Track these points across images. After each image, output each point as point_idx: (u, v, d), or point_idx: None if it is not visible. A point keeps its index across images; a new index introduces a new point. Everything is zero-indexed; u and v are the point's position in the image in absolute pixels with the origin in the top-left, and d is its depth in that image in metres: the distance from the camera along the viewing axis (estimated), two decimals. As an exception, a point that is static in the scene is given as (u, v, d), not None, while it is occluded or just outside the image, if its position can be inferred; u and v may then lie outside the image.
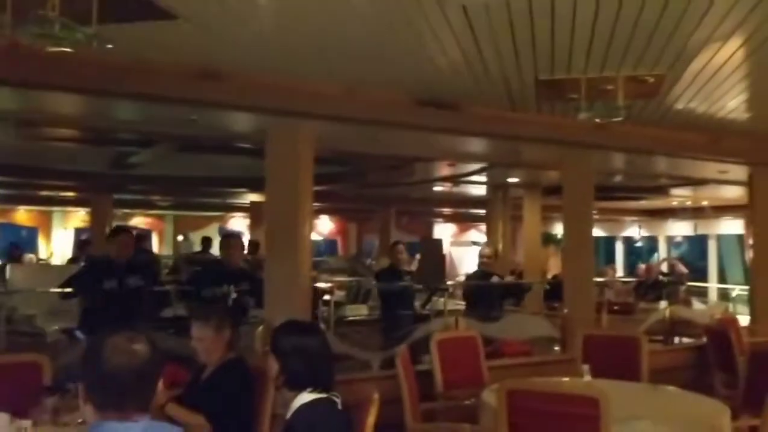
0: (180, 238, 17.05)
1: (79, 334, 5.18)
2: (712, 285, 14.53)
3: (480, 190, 11.28)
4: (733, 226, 14.28)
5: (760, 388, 3.89)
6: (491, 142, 6.14)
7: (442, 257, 6.93)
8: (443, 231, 19.40)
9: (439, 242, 6.93)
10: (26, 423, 2.75)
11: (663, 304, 7.61)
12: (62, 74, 3.78)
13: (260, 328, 4.96)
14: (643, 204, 14.04)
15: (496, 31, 3.63)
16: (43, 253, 16.31)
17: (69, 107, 4.92)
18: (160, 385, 1.97)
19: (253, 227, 13.70)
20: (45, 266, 12.64)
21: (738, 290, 10.03)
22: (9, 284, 7.11)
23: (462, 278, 9.13)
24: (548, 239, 14.45)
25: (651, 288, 9.98)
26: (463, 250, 19.18)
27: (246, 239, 9.69)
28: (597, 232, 7.15)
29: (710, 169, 7.47)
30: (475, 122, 5.32)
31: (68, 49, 2.89)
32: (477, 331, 5.46)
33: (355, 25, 3.59)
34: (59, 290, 5.35)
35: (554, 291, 7.61)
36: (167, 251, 16.71)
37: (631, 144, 6.16)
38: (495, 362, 5.42)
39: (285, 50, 4.01)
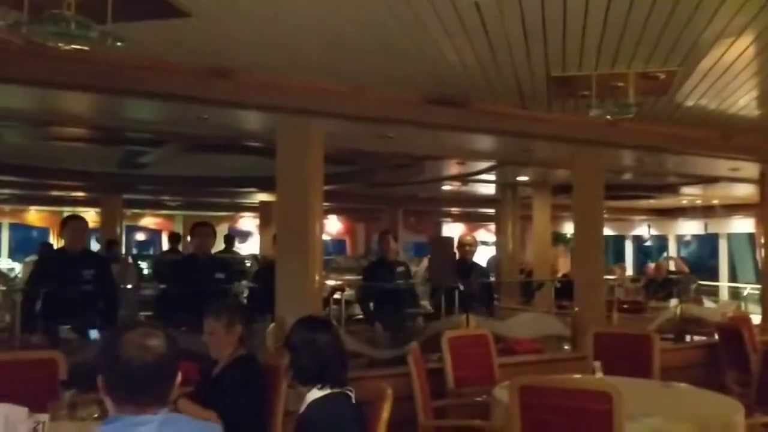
0: (189, 238, 17.11)
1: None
2: (723, 284, 14.47)
3: (489, 189, 11.26)
4: (744, 224, 14.20)
5: (774, 386, 3.88)
6: (501, 140, 6.14)
7: (453, 255, 6.86)
8: (451, 231, 19.38)
9: (449, 240, 6.90)
10: (43, 417, 2.78)
11: (674, 302, 7.57)
12: (76, 73, 3.81)
13: (272, 325, 4.98)
14: (653, 203, 13.99)
15: (508, 28, 3.64)
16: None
17: (81, 106, 4.95)
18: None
19: (262, 227, 13.73)
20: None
21: (749, 289, 9.99)
22: (22, 281, 7.17)
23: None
24: (557, 239, 14.42)
25: (661, 286, 9.95)
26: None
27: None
28: (606, 231, 7.13)
29: (721, 166, 7.44)
30: (486, 120, 5.32)
31: (83, 48, 2.92)
32: (488, 329, 5.46)
33: (366, 23, 3.60)
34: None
35: (564, 290, 7.60)
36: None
37: (641, 141, 6.15)
38: (506, 360, 5.42)
39: (295, 48, 4.02)
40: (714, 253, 15.83)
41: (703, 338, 7.08)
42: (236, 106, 4.60)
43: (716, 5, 3.33)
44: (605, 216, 6.64)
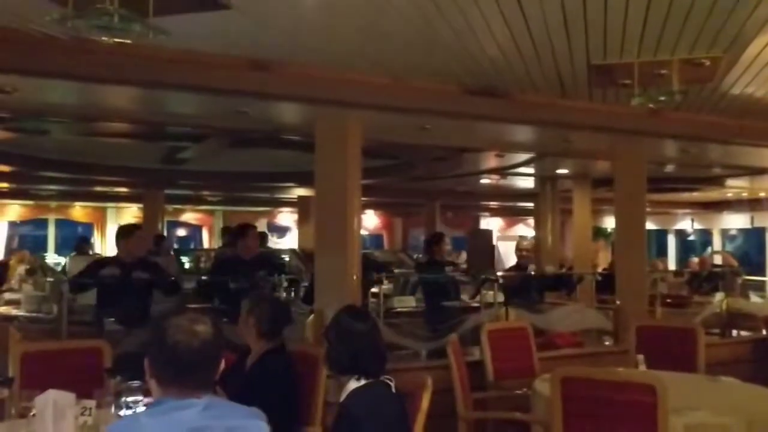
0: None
1: None
2: (771, 279, 14.09)
3: (528, 183, 11.15)
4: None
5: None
6: (541, 131, 6.07)
7: (492, 248, 6.85)
8: (490, 225, 19.25)
9: (488, 233, 6.86)
10: (90, 403, 2.84)
11: (719, 296, 7.39)
12: (118, 67, 3.88)
13: (311, 317, 5.02)
14: (697, 196, 13.69)
15: (548, 16, 3.59)
16: (98, 248, 16.76)
17: (123, 101, 5.05)
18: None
19: (301, 222, 13.82)
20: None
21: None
22: (68, 275, 7.34)
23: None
24: (598, 233, 14.22)
25: (706, 280, 9.73)
26: (511, 245, 19.01)
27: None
28: (648, 225, 7.00)
29: (768, 157, 7.26)
30: (525, 110, 5.26)
31: (126, 41, 2.97)
32: (528, 322, 5.41)
33: (405, 14, 3.59)
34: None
35: (605, 284, 7.48)
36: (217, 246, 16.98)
37: (685, 131, 6.03)
38: (546, 353, 5.36)
39: (334, 40, 4.04)
40: (761, 247, 15.41)
41: (751, 333, 6.90)
42: (275, 99, 4.64)
43: (764, -13, 3.24)
44: (647, 210, 6.52)
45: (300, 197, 13.19)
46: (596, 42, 4.01)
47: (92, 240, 17.25)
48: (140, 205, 13.37)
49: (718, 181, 10.86)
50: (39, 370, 3.57)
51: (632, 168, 6.23)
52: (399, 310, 7.06)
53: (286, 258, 10.35)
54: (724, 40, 3.98)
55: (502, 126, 5.83)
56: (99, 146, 8.06)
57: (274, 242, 16.83)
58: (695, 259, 13.70)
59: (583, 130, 5.87)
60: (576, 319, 6.19)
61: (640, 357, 4.33)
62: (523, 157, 8.17)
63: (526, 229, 18.43)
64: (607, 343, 6.24)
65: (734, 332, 7.00)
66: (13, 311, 7.39)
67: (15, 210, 15.73)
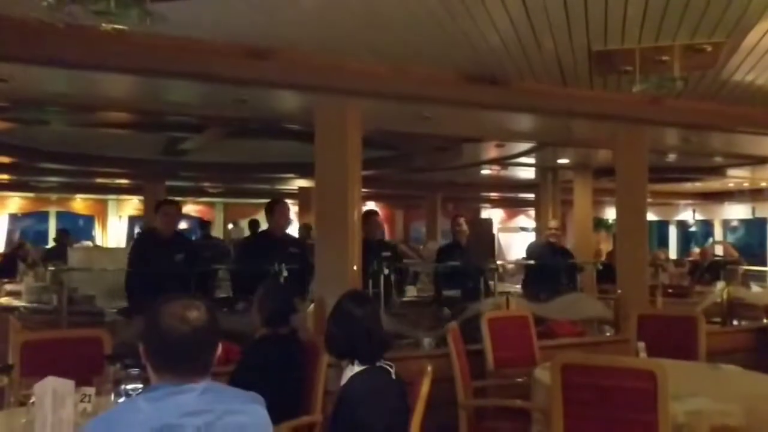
0: (230, 225, 17.34)
1: None
2: (772, 269, 14.07)
3: (529, 173, 11.13)
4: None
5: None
6: (541, 119, 6.04)
7: (492, 237, 6.82)
8: (491, 216, 19.25)
9: (488, 222, 6.85)
10: (90, 390, 2.84)
11: (720, 285, 7.38)
12: (115, 54, 3.86)
13: (311, 306, 5.01)
14: (698, 186, 13.68)
15: (548, 1, 3.56)
16: (99, 240, 16.78)
17: (122, 89, 5.03)
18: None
19: (301, 213, 13.82)
20: (103, 249, 13.04)
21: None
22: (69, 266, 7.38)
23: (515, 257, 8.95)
24: (599, 224, 14.21)
25: (707, 271, 9.73)
26: (511, 236, 19.01)
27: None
28: (649, 216, 6.97)
29: (770, 145, 7.24)
30: (526, 98, 5.24)
31: (123, 28, 2.95)
32: (528, 311, 5.40)
33: (405, 2, 3.56)
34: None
35: (606, 273, 7.47)
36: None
37: (686, 119, 6.00)
38: (547, 342, 5.36)
39: (333, 28, 4.01)
40: (762, 238, 15.40)
41: (751, 322, 6.89)
42: (274, 87, 4.62)
43: (767, -29, 3.21)
44: (648, 200, 6.50)
45: (300, 188, 13.19)
46: (597, 27, 3.98)
47: (93, 233, 17.27)
48: (141, 197, 13.36)
49: (719, 172, 10.84)
50: (39, 359, 3.57)
51: (633, 156, 6.20)
52: (405, 299, 7.04)
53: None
54: (726, 26, 3.95)
55: (502, 114, 5.81)
56: (99, 137, 8.05)
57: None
58: (696, 250, 13.70)
59: (584, 118, 5.85)
60: (577, 309, 6.18)
61: (641, 345, 4.33)
62: (524, 147, 8.15)
63: (527, 221, 18.42)
64: (608, 334, 6.23)
65: (735, 321, 7.00)
66: (14, 302, 7.41)
67: (16, 202, 15.75)
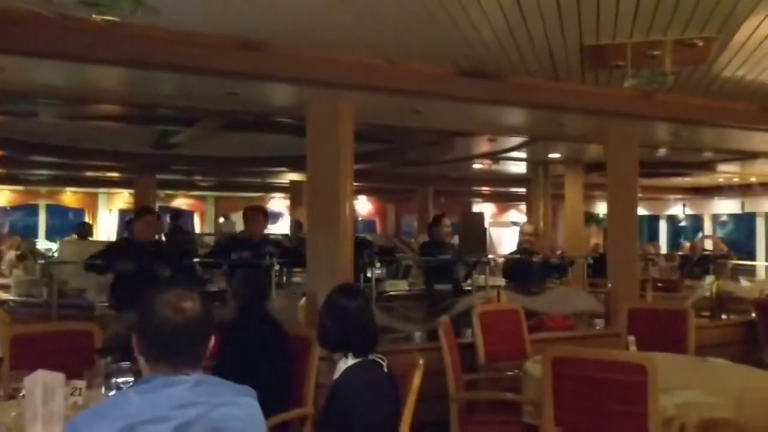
0: (221, 219, 17.31)
1: None
2: (761, 263, 14.18)
3: (520, 168, 11.15)
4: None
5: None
6: (533, 113, 6.05)
7: (483, 231, 6.82)
8: (482, 211, 19.27)
9: (480, 216, 6.86)
10: (80, 383, 2.83)
11: (709, 279, 7.43)
12: (106, 46, 3.84)
13: (302, 300, 5.01)
14: (688, 181, 13.73)
15: (541, -5, 3.57)
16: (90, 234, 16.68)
17: (112, 81, 4.99)
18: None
19: (293, 207, 13.79)
20: (93, 242, 12.98)
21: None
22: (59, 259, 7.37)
23: (502, 257, 8.93)
24: (590, 219, 14.25)
25: (697, 265, 9.78)
26: (503, 231, 19.04)
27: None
28: (640, 211, 6.99)
29: (759, 140, 7.27)
30: (518, 92, 5.25)
31: (114, 19, 2.94)
32: (519, 304, 5.42)
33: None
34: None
35: (597, 267, 7.51)
36: (209, 232, 16.94)
37: (677, 114, 6.03)
38: (538, 335, 5.38)
39: (326, 21, 4.00)
40: (751, 233, 15.50)
41: (740, 316, 6.94)
42: (266, 79, 4.60)
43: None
44: (638, 195, 6.53)
45: (292, 182, 13.16)
46: (589, 22, 3.99)
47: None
48: (132, 191, 13.29)
49: (709, 167, 10.88)
50: (29, 353, 3.56)
51: (624, 151, 6.23)
52: (392, 293, 7.05)
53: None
54: (716, 21, 3.97)
55: (494, 108, 5.81)
56: (89, 130, 8.00)
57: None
58: (686, 244, 13.77)
59: (575, 112, 5.86)
60: (568, 302, 6.21)
61: (631, 338, 4.36)
62: (515, 141, 8.16)
63: (518, 215, 18.44)
64: (598, 327, 6.26)
65: (724, 315, 7.05)
66: (3, 295, 7.38)
67: (5, 195, 15.63)
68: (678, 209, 17.29)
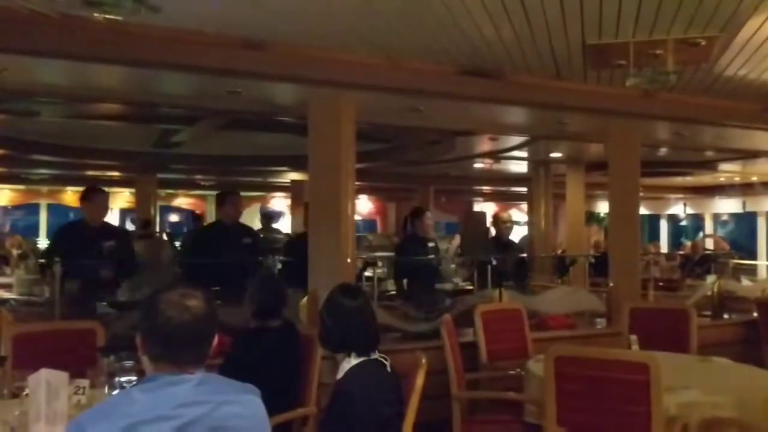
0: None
1: None
2: (762, 263, 14.18)
3: (521, 167, 11.13)
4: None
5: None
6: (535, 112, 6.05)
7: (486, 230, 6.80)
8: (483, 210, 19.25)
9: (482, 215, 6.86)
10: (84, 382, 2.83)
11: (711, 278, 7.43)
12: (108, 45, 3.83)
13: (304, 299, 5.01)
14: (689, 180, 13.71)
15: (543, -6, 3.57)
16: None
17: (114, 80, 4.98)
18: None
19: (293, 206, 13.78)
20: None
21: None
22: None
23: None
24: (591, 218, 14.24)
25: (698, 264, 9.79)
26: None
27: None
28: (641, 210, 6.99)
29: (761, 140, 7.27)
30: (519, 91, 5.24)
31: (116, 18, 2.94)
32: (521, 303, 5.42)
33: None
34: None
35: (598, 266, 7.51)
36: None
37: (679, 113, 6.03)
38: (540, 334, 5.38)
39: (328, 20, 4.00)
40: (752, 232, 15.49)
41: (742, 315, 6.94)
42: (268, 78, 4.59)
43: (761, -35, 3.22)
44: (640, 195, 6.53)
45: (293, 182, 13.15)
46: (591, 21, 3.99)
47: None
48: (132, 190, 13.29)
49: (710, 166, 10.87)
50: (32, 352, 3.56)
51: (626, 150, 6.23)
52: (393, 293, 7.04)
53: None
54: (719, 20, 3.97)
55: (495, 107, 5.80)
56: (91, 129, 7.99)
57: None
58: (687, 244, 13.77)
59: (577, 111, 5.86)
60: (569, 301, 6.21)
61: (633, 337, 4.36)
62: (517, 140, 8.15)
63: (519, 214, 18.43)
64: (599, 326, 6.26)
65: (725, 315, 7.05)
66: (5, 295, 7.37)
67: (6, 195, 15.63)
68: (679, 208, 17.28)
